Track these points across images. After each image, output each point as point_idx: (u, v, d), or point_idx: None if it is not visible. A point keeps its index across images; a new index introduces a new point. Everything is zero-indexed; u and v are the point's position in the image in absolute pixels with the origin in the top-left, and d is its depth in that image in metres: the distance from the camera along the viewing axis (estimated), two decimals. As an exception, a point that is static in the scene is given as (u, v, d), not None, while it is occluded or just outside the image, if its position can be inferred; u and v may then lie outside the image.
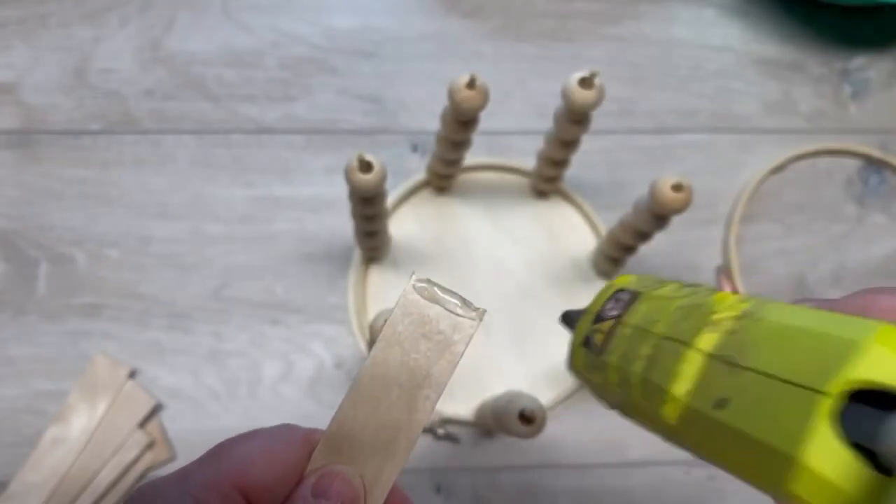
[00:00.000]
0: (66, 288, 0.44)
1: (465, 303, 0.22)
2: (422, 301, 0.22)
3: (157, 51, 0.49)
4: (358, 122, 0.48)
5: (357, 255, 0.45)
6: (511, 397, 0.33)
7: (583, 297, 0.46)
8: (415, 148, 0.48)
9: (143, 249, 0.45)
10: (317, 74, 0.49)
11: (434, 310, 0.22)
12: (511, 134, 0.48)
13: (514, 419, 0.32)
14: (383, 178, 0.34)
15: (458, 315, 0.22)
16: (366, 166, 0.33)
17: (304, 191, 0.46)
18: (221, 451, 0.20)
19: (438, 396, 0.21)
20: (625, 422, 0.45)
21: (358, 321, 0.44)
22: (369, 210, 0.37)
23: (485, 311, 0.22)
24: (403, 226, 0.46)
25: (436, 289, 0.22)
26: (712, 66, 0.51)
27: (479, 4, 0.51)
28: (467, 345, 0.22)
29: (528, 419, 0.32)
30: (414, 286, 0.22)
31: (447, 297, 0.22)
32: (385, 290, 0.45)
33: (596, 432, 0.43)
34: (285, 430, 0.21)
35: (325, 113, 0.48)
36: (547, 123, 0.50)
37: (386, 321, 0.22)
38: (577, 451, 0.43)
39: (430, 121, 0.48)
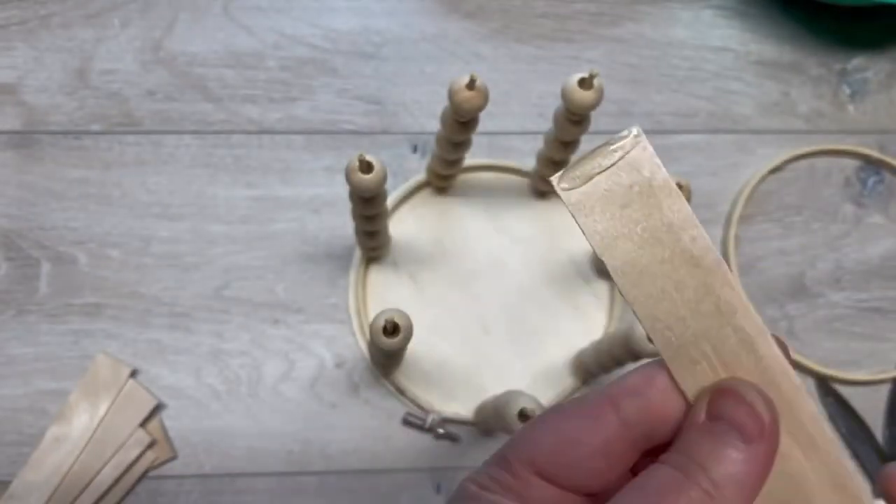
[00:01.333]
0: (68, 288, 0.44)
1: (613, 140, 0.18)
2: (584, 188, 0.18)
3: (158, 52, 0.49)
4: (358, 122, 0.48)
5: (357, 254, 0.45)
6: (510, 397, 0.33)
7: (582, 297, 0.47)
8: (415, 148, 0.48)
9: (145, 249, 0.45)
10: (318, 75, 0.49)
11: (601, 178, 0.18)
12: (510, 134, 0.49)
13: (514, 418, 0.32)
14: (383, 179, 0.34)
15: (625, 154, 0.18)
16: (366, 167, 0.33)
17: (305, 191, 0.47)
18: (510, 446, 0.19)
19: (699, 227, 0.18)
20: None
21: (358, 321, 0.44)
22: (369, 210, 0.37)
23: (636, 126, 0.18)
24: (403, 226, 0.46)
25: (579, 167, 0.18)
26: (711, 67, 0.51)
27: (479, 6, 0.52)
28: (658, 162, 0.18)
29: (528, 418, 0.32)
30: (561, 188, 0.18)
31: (597, 157, 0.18)
32: (385, 290, 0.45)
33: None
34: (576, 400, 0.19)
35: (325, 114, 0.48)
36: (546, 124, 0.50)
37: (586, 238, 0.18)
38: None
39: (431, 121, 0.49)
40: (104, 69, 0.48)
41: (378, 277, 0.45)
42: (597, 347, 0.40)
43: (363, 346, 0.44)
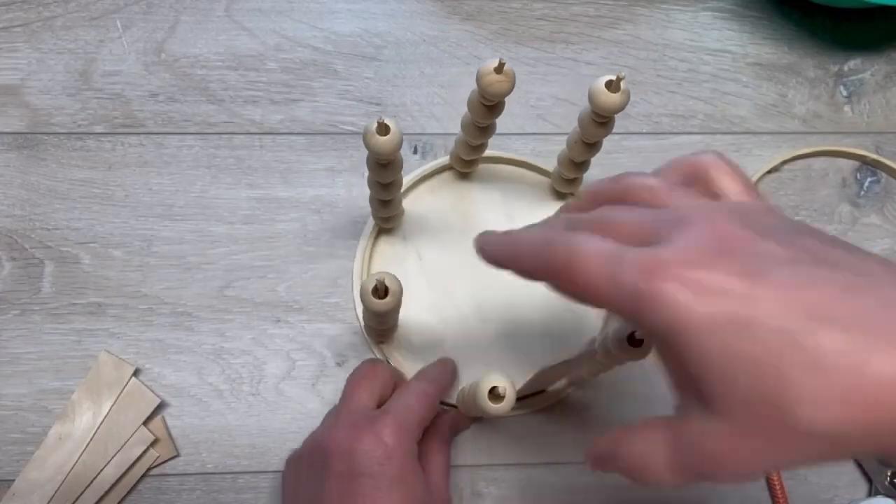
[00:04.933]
0: (71, 287, 0.44)
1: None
2: None
3: (160, 54, 0.49)
4: (359, 124, 0.49)
5: (370, 224, 0.45)
6: (482, 375, 0.34)
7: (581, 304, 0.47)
8: (415, 149, 0.48)
9: (148, 249, 0.45)
10: (319, 77, 0.50)
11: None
12: (510, 135, 0.49)
13: (485, 398, 0.33)
14: (399, 143, 0.35)
15: None
16: (384, 129, 0.34)
17: (307, 191, 0.47)
18: None
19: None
20: (622, 420, 0.45)
21: (360, 288, 0.44)
22: (385, 177, 0.38)
23: None
24: (420, 203, 0.46)
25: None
26: (708, 69, 0.52)
27: (479, 8, 0.52)
28: None
29: (499, 398, 0.33)
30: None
31: None
32: (391, 262, 0.45)
33: (594, 430, 0.44)
34: None
35: (326, 115, 0.49)
36: (546, 125, 0.50)
37: None
38: (575, 449, 0.43)
39: (431, 122, 0.49)
40: (107, 71, 0.49)
41: (386, 248, 0.45)
42: (588, 349, 0.40)
43: (360, 313, 0.44)
